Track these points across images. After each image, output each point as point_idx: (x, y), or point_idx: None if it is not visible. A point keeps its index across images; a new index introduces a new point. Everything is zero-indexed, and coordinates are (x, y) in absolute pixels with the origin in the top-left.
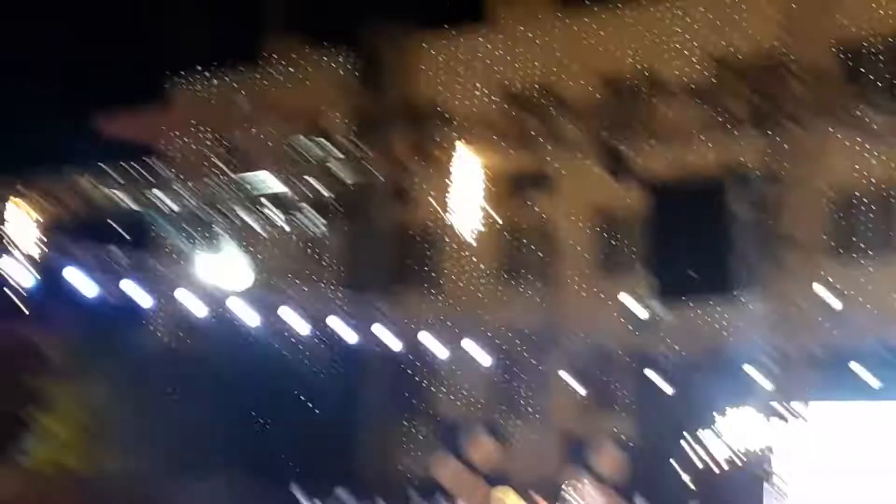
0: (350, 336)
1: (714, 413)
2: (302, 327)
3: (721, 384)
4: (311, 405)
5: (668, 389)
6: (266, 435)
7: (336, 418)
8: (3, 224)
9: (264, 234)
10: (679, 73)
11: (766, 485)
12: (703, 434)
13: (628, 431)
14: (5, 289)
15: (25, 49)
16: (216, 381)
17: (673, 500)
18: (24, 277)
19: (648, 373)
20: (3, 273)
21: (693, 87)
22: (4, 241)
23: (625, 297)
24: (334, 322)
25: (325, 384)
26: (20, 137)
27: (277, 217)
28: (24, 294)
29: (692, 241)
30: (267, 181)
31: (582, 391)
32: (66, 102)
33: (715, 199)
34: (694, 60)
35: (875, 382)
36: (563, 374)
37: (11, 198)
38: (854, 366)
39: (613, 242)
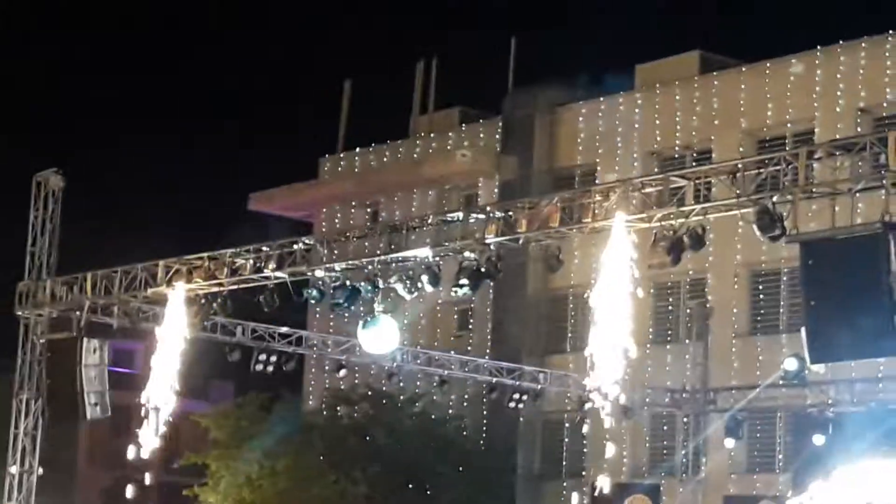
0: (502, 399)
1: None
2: (456, 392)
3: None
4: (466, 470)
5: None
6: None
7: (491, 481)
8: (165, 305)
9: (417, 303)
10: (827, 126)
11: None
12: None
13: (784, 488)
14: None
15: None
16: (372, 449)
17: None
18: (185, 354)
19: (804, 428)
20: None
21: (843, 139)
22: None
23: (779, 354)
24: (488, 387)
25: (479, 448)
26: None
27: (430, 286)
28: (185, 370)
29: (847, 297)
30: (418, 251)
31: (737, 448)
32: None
33: (869, 254)
34: (839, 112)
35: None
36: (717, 431)
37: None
38: None
39: (767, 300)
